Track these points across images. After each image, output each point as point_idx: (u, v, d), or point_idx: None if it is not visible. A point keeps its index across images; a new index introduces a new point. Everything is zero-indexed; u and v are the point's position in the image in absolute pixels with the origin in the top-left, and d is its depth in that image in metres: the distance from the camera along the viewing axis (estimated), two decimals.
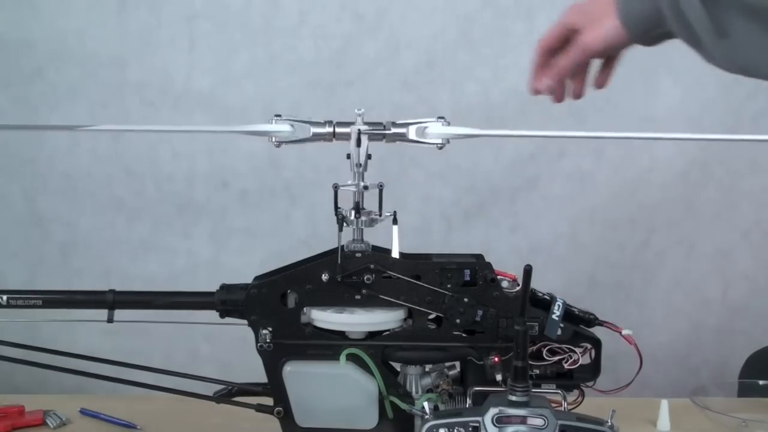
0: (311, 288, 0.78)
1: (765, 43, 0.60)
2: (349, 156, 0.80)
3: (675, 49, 0.70)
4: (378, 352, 0.78)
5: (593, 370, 0.79)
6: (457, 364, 0.82)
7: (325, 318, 0.78)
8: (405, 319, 0.79)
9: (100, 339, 1.44)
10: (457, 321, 0.77)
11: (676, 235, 1.65)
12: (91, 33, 1.56)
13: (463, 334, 0.79)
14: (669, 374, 1.60)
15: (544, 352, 0.78)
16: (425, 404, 0.73)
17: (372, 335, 0.79)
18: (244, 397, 0.83)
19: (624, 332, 0.78)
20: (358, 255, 0.78)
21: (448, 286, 0.78)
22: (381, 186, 0.80)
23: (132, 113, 1.55)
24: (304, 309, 0.79)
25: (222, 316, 0.80)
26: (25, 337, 0.82)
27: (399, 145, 0.82)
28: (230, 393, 0.84)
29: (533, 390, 0.70)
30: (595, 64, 0.79)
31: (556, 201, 1.64)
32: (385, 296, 0.78)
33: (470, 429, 0.67)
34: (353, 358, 0.78)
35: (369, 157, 0.80)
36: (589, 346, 0.78)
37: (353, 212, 0.80)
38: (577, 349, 0.78)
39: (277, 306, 0.79)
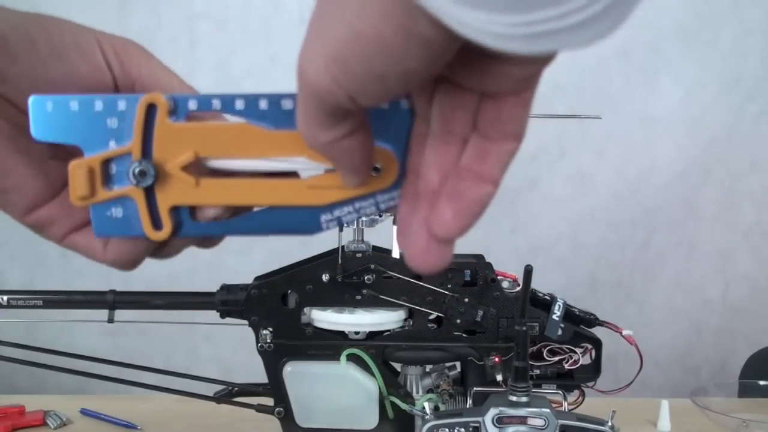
0: (312, 288, 0.78)
1: None
2: None
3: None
4: (378, 353, 0.78)
5: (594, 370, 0.79)
6: (458, 364, 0.82)
7: (325, 318, 0.78)
8: (405, 320, 0.79)
9: (100, 339, 1.45)
10: (458, 321, 0.77)
11: (677, 236, 1.66)
12: None
13: (464, 335, 0.78)
14: (669, 374, 1.60)
15: (545, 352, 0.78)
16: (426, 404, 0.73)
17: (372, 335, 0.79)
18: (245, 398, 0.83)
19: (624, 332, 0.78)
20: (359, 255, 0.78)
21: (449, 286, 0.78)
22: None
23: None
24: (305, 309, 0.79)
25: (222, 316, 0.80)
26: (25, 337, 0.82)
27: None
28: (230, 393, 0.84)
29: (534, 390, 0.70)
30: None
31: (556, 201, 1.64)
32: (386, 296, 0.78)
33: (471, 429, 0.67)
34: (354, 359, 0.78)
35: None
36: (589, 346, 0.78)
37: None
38: (577, 350, 0.78)
39: (277, 306, 0.79)
